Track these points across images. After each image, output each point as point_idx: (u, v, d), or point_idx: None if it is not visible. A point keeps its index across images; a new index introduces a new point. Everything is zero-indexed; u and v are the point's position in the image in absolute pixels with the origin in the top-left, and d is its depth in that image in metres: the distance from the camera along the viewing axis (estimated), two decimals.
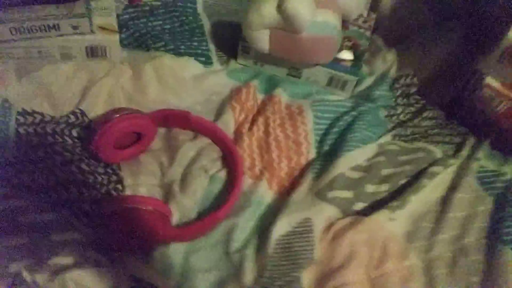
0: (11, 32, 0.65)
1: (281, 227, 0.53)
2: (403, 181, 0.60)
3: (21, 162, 0.57)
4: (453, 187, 0.61)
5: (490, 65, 0.62)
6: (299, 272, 0.51)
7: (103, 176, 0.59)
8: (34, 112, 0.63)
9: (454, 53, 0.72)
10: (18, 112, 0.62)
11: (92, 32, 0.70)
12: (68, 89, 0.66)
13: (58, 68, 0.68)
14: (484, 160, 0.65)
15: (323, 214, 0.55)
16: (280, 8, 0.60)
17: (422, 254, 0.55)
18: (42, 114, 0.63)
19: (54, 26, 0.67)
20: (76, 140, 0.61)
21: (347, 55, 0.70)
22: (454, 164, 0.63)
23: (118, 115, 0.56)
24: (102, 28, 0.71)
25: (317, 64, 0.70)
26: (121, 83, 0.69)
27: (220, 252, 0.53)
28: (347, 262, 0.52)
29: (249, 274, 0.50)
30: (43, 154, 0.58)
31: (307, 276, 0.52)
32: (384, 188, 0.59)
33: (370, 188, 0.58)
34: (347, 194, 0.57)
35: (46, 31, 0.67)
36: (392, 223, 0.57)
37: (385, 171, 0.60)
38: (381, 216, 0.55)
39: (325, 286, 0.51)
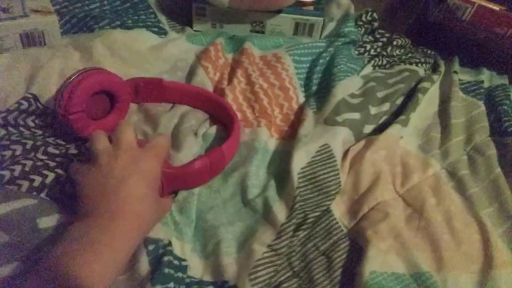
0: None
1: (299, 160, 0.48)
2: (400, 99, 0.59)
3: None
4: (444, 100, 0.61)
5: None
6: (330, 201, 0.46)
7: (78, 158, 0.49)
8: None
9: None
10: None
11: (25, 15, 0.60)
12: (9, 80, 0.56)
13: None
14: (460, 74, 0.66)
15: (340, 137, 0.51)
16: None
17: (441, 161, 0.53)
18: None
19: None
20: (34, 130, 0.52)
21: None
22: (437, 80, 0.64)
23: (84, 71, 0.48)
24: (36, 11, 0.62)
25: (280, 12, 0.67)
26: (71, 64, 0.60)
27: (238, 203, 0.47)
28: (375, 182, 0.49)
29: (279, 213, 0.44)
30: None
31: (337, 208, 0.48)
32: (385, 108, 0.57)
33: (373, 110, 0.56)
34: (355, 115, 0.54)
35: None
36: (402, 140, 0.55)
37: (380, 94, 0.59)
38: (394, 131, 0.53)
39: (359, 212, 0.47)
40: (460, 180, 0.50)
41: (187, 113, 0.56)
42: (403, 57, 0.68)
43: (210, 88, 0.59)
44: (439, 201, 0.48)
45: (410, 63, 0.65)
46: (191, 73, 0.61)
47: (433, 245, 0.44)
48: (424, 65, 0.66)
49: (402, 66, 0.65)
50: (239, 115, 0.56)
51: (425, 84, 0.60)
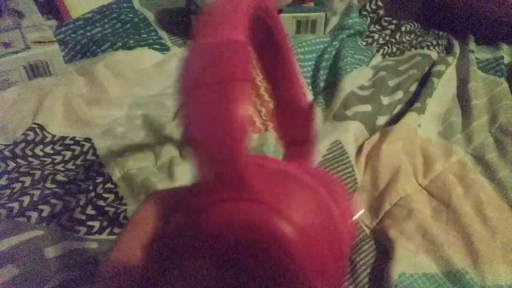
0: None
1: None
2: (413, 86, 0.56)
3: None
4: (462, 81, 0.57)
5: None
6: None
7: (87, 183, 0.49)
8: None
9: None
10: None
11: (27, 47, 0.61)
12: (16, 113, 0.57)
13: None
14: (476, 53, 0.62)
15: (350, 132, 0.48)
16: None
17: (465, 146, 0.49)
18: None
19: None
20: (43, 159, 0.51)
21: None
22: (453, 62, 0.60)
23: None
24: (38, 42, 0.63)
25: (279, 12, 0.65)
26: (75, 90, 0.60)
27: None
28: (394, 176, 0.45)
29: None
30: (6, 182, 0.48)
31: (356, 208, 0.45)
32: (398, 96, 0.54)
33: (385, 100, 0.53)
34: (366, 108, 0.51)
35: None
36: (421, 129, 0.51)
37: (392, 82, 0.55)
38: (410, 119, 0.50)
39: (381, 210, 0.44)
40: (487, 164, 0.47)
41: None
42: (414, 42, 0.65)
43: None
44: (467, 190, 0.44)
45: (422, 47, 0.62)
46: None
47: (465, 239, 0.40)
48: (436, 47, 0.62)
49: (413, 51, 0.61)
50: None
51: (439, 67, 0.57)
